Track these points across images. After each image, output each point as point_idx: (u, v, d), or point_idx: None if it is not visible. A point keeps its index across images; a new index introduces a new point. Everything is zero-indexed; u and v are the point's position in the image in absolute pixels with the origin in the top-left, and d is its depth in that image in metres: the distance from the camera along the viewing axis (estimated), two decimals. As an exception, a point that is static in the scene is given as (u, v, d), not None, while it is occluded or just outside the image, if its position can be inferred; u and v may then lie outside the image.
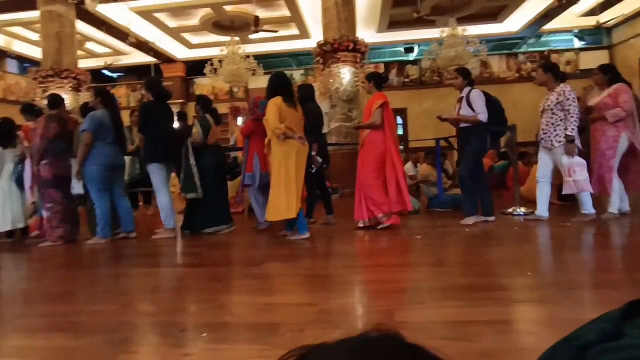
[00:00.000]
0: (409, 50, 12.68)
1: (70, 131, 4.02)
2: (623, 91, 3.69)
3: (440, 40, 9.04)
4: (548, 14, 10.06)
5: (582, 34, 12.05)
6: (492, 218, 3.85)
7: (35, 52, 10.75)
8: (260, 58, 10.94)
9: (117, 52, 12.05)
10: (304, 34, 11.09)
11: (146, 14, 9.48)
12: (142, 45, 10.64)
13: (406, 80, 11.71)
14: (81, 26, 9.28)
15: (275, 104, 3.31)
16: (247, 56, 9.49)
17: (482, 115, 3.74)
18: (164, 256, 3.36)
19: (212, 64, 9.40)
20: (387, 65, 12.10)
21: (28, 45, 11.25)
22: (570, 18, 10.69)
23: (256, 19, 8.04)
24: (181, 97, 12.24)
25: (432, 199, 5.26)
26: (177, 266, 2.93)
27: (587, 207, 3.60)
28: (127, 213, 4.06)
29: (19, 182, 4.21)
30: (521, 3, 9.87)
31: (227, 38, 9.86)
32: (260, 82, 10.66)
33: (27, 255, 3.63)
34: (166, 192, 3.98)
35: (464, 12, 10.01)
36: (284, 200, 3.28)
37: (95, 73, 11.71)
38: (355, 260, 2.84)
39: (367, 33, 10.64)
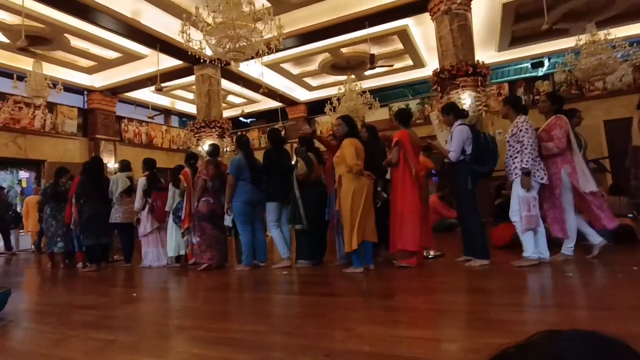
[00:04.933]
0: (538, 65, 11.59)
1: (223, 172, 4.74)
2: (557, 126, 3.47)
3: (576, 49, 8.06)
4: None
5: None
6: (486, 261, 3.55)
7: (191, 109, 13.09)
8: (376, 92, 11.31)
9: (251, 101, 13.86)
10: (418, 64, 11.12)
11: (274, 65, 10.78)
12: (271, 93, 12.04)
13: (537, 97, 10.64)
14: (224, 83, 11.00)
15: (352, 143, 3.65)
16: (364, 92, 9.91)
17: (452, 154, 3.65)
18: (298, 284, 3.64)
19: (331, 103, 10.07)
20: (513, 84, 11.22)
21: (186, 103, 13.78)
22: None
23: (372, 57, 8.42)
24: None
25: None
26: (313, 294, 3.13)
27: (528, 249, 3.37)
28: (262, 245, 4.55)
29: (177, 215, 5.04)
30: (685, -8, 8.23)
31: (344, 77, 10.50)
32: (378, 115, 10.97)
33: (191, 278, 4.32)
34: (278, 227, 4.38)
35: (606, 15, 8.79)
36: (349, 234, 3.58)
37: (234, 120, 13.60)
38: (496, 296, 2.63)
39: (486, 54, 10.14)
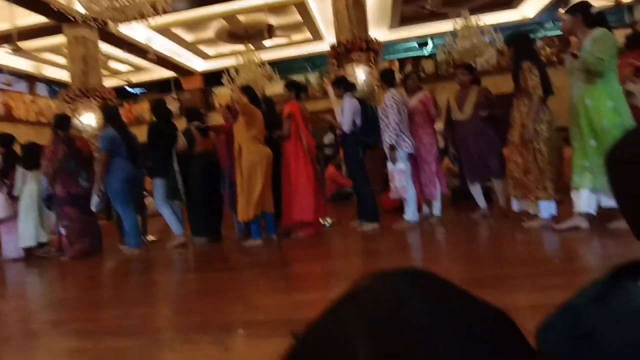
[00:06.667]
0: (423, 45, 12.60)
1: (79, 149, 4.16)
2: (430, 98, 3.83)
3: (454, 32, 8.94)
4: (565, -2, 9.79)
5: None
6: (376, 224, 3.81)
7: (64, 75, 11.29)
8: (275, 64, 11.10)
9: (139, 69, 12.49)
10: (317, 37, 11.19)
11: (164, 30, 9.81)
12: (161, 60, 10.99)
13: (423, 75, 11.62)
14: (104, 47, 9.68)
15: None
16: (263, 63, 9.65)
17: (345, 127, 3.79)
18: (194, 262, 3.51)
19: (229, 74, 9.62)
20: (402, 61, 12.04)
21: (57, 69, 11.82)
22: (590, -1, 10.36)
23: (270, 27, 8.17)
24: (201, 108, 12.55)
25: (455, 190, 5.22)
26: (210, 271, 3.04)
27: (409, 213, 3.69)
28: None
29: (49, 200, 4.30)
30: (536, -12, 9.65)
31: (242, 47, 10.07)
32: (277, 88, 10.83)
33: (66, 268, 3.84)
34: (168, 204, 4.07)
35: (477, 2, 9.87)
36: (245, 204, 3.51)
37: (119, 90, 12.16)
38: (385, 257, 2.88)
39: (379, 31, 10.63)
